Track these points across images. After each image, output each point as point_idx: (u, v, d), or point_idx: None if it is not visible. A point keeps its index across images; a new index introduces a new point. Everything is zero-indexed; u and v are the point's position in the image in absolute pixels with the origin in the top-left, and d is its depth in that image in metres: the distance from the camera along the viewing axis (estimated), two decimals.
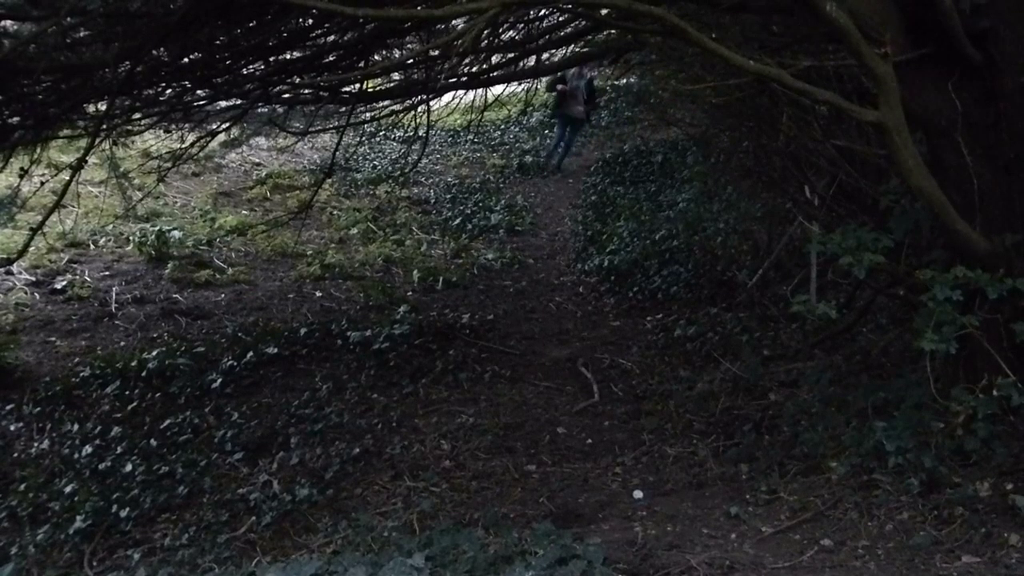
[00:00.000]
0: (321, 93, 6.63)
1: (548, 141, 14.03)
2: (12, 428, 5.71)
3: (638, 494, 4.34)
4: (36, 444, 5.53)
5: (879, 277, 4.82)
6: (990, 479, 3.30)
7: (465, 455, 4.97)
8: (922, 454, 3.46)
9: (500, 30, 6.73)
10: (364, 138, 12.06)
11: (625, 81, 13.48)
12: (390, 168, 12.55)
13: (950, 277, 3.22)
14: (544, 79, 11.15)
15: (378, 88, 7.59)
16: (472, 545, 3.37)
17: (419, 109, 7.69)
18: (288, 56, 6.04)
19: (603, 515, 4.10)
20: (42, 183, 6.18)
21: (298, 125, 8.13)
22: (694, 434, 4.92)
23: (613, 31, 6.42)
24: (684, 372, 5.74)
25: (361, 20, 5.33)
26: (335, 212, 10.85)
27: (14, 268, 7.83)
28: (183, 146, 7.19)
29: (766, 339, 5.90)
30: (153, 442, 5.35)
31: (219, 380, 6.05)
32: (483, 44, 6.27)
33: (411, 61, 6.54)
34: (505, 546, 3.37)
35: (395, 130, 12.85)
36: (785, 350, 5.70)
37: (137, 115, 6.27)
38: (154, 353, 6.43)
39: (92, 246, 8.97)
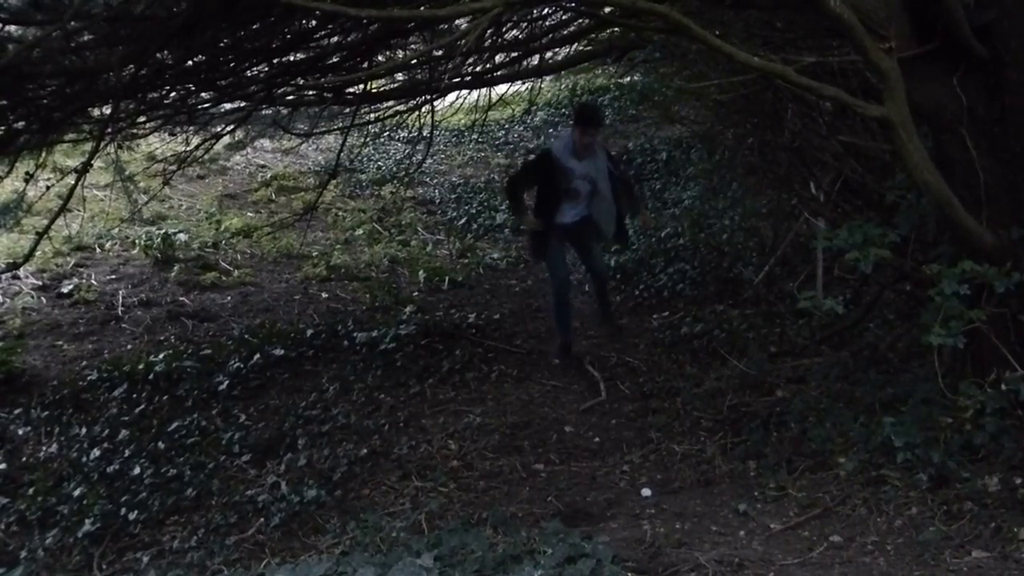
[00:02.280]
0: (325, 94, 6.64)
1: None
2: (20, 432, 5.72)
3: (646, 492, 4.34)
4: (44, 448, 5.54)
5: (886, 272, 4.81)
6: (999, 474, 3.29)
7: (473, 455, 4.97)
8: (930, 449, 3.46)
9: (503, 29, 6.72)
10: (368, 139, 12.06)
11: (629, 79, 13.44)
12: (395, 169, 12.55)
13: (958, 271, 3.22)
14: (547, 78, 9.97)
15: (382, 89, 7.59)
16: (481, 544, 3.37)
17: (423, 109, 7.70)
18: (292, 58, 6.04)
19: (611, 513, 4.10)
20: (48, 187, 6.21)
21: (302, 127, 8.13)
22: (702, 431, 4.91)
23: (616, 29, 6.42)
24: (691, 369, 5.73)
25: (365, 21, 5.34)
26: (340, 213, 10.85)
27: (21, 272, 7.84)
28: (188, 149, 7.21)
29: (773, 336, 5.89)
30: (161, 445, 5.36)
31: (226, 382, 6.06)
32: (486, 43, 6.27)
33: (415, 61, 6.54)
34: (514, 545, 3.37)
35: (399, 131, 12.82)
36: (792, 346, 5.68)
37: (142, 118, 6.28)
38: (161, 356, 6.44)
39: (98, 249, 8.99)
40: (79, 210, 8.77)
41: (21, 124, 5.37)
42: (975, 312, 3.22)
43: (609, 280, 7.04)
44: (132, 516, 4.67)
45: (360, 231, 10.15)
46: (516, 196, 6.16)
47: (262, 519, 4.53)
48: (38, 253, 6.11)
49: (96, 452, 5.33)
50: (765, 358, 5.49)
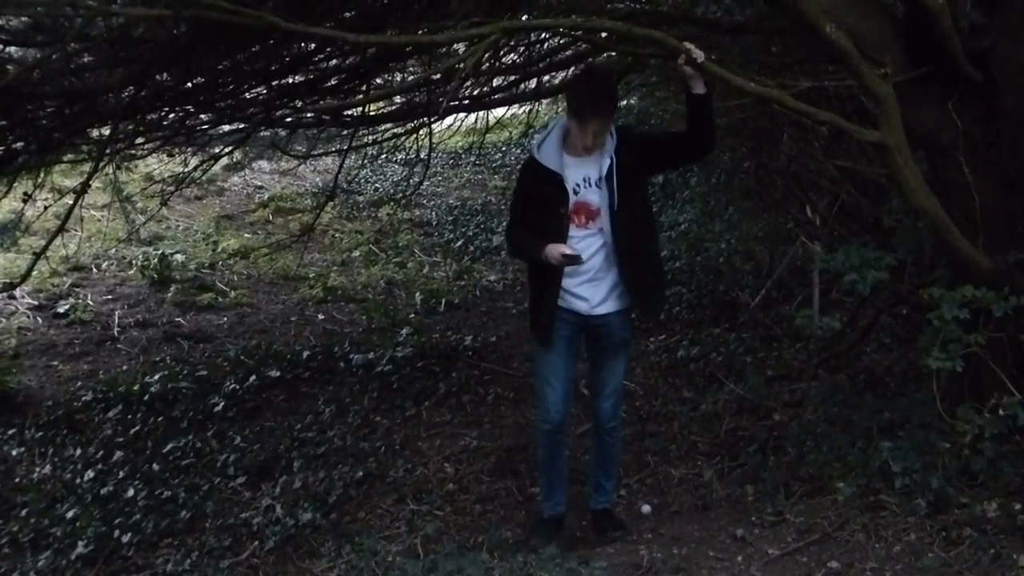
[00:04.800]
0: (323, 116, 6.66)
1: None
2: (14, 453, 5.69)
3: (646, 508, 4.37)
4: (38, 469, 5.51)
5: (882, 296, 4.82)
6: (998, 499, 3.28)
7: (469, 478, 4.95)
8: (929, 474, 3.45)
9: (501, 53, 6.75)
10: (366, 161, 12.07)
11: (626, 102, 13.49)
12: (392, 190, 12.56)
13: (958, 296, 3.22)
14: (544, 101, 9.82)
15: (380, 111, 7.61)
16: (477, 569, 3.34)
17: (421, 132, 7.71)
18: (291, 80, 6.06)
19: (608, 537, 4.07)
20: (45, 207, 6.20)
21: (300, 148, 8.14)
22: (699, 455, 4.90)
23: (613, 53, 6.45)
24: (688, 393, 5.72)
25: (363, 45, 5.36)
26: (337, 235, 10.85)
27: (17, 292, 7.83)
28: (186, 170, 7.21)
29: (770, 359, 5.88)
30: (155, 466, 5.33)
31: (221, 404, 6.03)
32: (484, 67, 6.29)
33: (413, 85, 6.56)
34: (510, 570, 3.35)
35: (397, 152, 12.84)
36: (789, 370, 5.68)
37: (140, 139, 6.29)
38: (156, 377, 6.41)
39: (95, 270, 8.98)
40: (76, 230, 8.76)
41: (20, 144, 5.38)
42: (973, 336, 3.23)
43: (621, 429, 4.34)
44: (125, 538, 4.63)
45: (357, 252, 10.14)
46: (517, 240, 4.01)
47: (257, 542, 4.50)
48: (35, 273, 6.09)
49: (90, 473, 5.30)
50: (762, 382, 5.48)
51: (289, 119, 6.73)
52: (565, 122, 3.71)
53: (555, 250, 3.63)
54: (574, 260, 3.64)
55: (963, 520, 3.24)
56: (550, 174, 3.70)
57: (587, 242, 3.73)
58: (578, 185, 3.71)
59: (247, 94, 6.02)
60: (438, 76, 5.82)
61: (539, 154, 3.75)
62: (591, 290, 3.78)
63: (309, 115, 6.68)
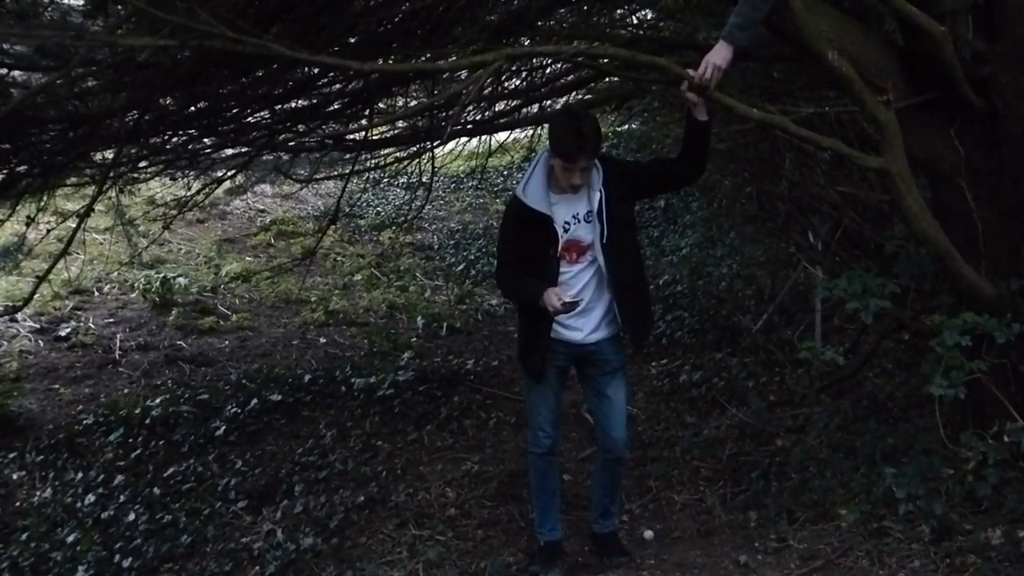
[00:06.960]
0: (326, 141, 6.68)
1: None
2: (15, 476, 5.67)
3: (648, 534, 4.36)
4: (38, 493, 5.49)
5: (884, 322, 4.81)
6: (1002, 526, 3.27)
7: (471, 503, 4.93)
8: (932, 501, 3.43)
9: (504, 79, 6.78)
10: (368, 185, 12.11)
11: (627, 127, 13.55)
12: (394, 214, 12.60)
13: (960, 323, 3.22)
14: (547, 125, 9.89)
15: (382, 136, 7.64)
16: None
17: (423, 156, 7.73)
18: (294, 105, 6.09)
19: (611, 563, 4.05)
20: (48, 231, 6.21)
21: (303, 172, 8.16)
22: (701, 481, 4.88)
23: (615, 79, 6.48)
24: (690, 418, 5.71)
25: (368, 72, 5.39)
26: (339, 258, 10.87)
27: (18, 315, 7.83)
28: (188, 193, 7.23)
29: (772, 384, 5.87)
30: (156, 490, 5.31)
31: (223, 427, 6.02)
32: (487, 93, 6.32)
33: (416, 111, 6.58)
34: None
35: (399, 177, 12.89)
36: (791, 395, 5.67)
37: (143, 163, 6.31)
38: (158, 400, 6.40)
39: (97, 293, 8.99)
40: (78, 253, 8.79)
41: (23, 168, 5.40)
42: (976, 363, 3.22)
43: (628, 456, 4.26)
44: (126, 563, 4.61)
45: (359, 276, 10.15)
46: (511, 283, 3.95)
47: (257, 567, 4.48)
48: (36, 296, 6.11)
49: (91, 497, 5.28)
50: (764, 407, 5.47)
51: (292, 143, 6.74)
52: (547, 159, 3.65)
53: (554, 299, 3.56)
54: (572, 307, 3.62)
55: (967, 547, 3.23)
56: (538, 215, 3.64)
57: (579, 276, 3.72)
58: (567, 223, 3.68)
59: (250, 118, 6.04)
60: (441, 102, 5.84)
61: (525, 195, 3.67)
62: (583, 320, 3.76)
63: (312, 139, 6.71)
